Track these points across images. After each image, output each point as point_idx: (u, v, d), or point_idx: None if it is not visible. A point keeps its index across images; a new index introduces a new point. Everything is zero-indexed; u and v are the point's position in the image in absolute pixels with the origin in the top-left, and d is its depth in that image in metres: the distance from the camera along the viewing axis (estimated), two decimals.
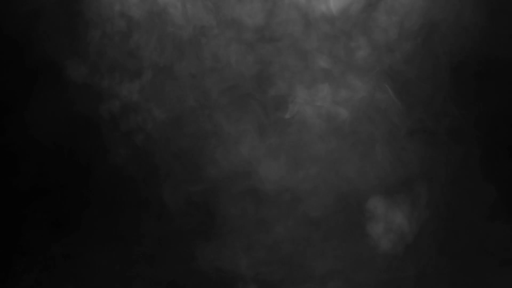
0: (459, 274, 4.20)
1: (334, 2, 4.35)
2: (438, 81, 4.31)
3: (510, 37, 4.30)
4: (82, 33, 4.42)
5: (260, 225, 4.30)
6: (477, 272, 4.20)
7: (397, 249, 4.24)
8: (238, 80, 4.38)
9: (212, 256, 4.28)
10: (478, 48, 4.29)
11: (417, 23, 4.30)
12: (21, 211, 4.35)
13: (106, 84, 4.39)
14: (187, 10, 4.39)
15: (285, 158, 4.35)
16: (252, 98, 4.38)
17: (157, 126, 4.38)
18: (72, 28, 4.42)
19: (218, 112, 4.37)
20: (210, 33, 4.37)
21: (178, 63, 4.39)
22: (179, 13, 4.40)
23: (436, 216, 4.25)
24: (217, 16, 4.37)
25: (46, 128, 4.40)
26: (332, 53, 4.36)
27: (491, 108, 4.30)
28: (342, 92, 4.34)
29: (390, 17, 4.31)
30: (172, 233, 4.31)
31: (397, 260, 4.24)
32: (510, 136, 4.29)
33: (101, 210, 4.35)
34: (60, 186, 4.37)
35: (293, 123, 4.36)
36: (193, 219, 4.33)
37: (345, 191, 4.30)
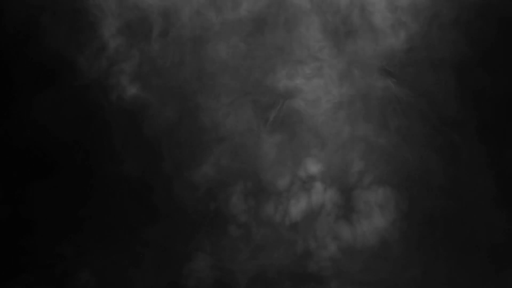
0: (458, 271, 4.14)
1: None
2: (440, 72, 4.30)
3: (510, 31, 4.30)
4: (86, 29, 4.46)
5: (263, 222, 4.28)
6: (476, 270, 4.14)
7: (392, 241, 4.22)
8: (239, 78, 4.39)
9: (213, 256, 4.25)
10: (479, 41, 4.30)
11: (419, 16, 4.31)
12: (22, 211, 4.36)
13: (109, 82, 4.41)
14: (190, 6, 4.42)
15: (287, 153, 4.34)
16: (253, 96, 4.38)
17: (159, 125, 4.38)
18: (76, 24, 4.46)
19: (220, 111, 4.38)
20: (211, 30, 4.39)
21: (180, 62, 4.41)
22: (182, 10, 4.43)
23: (435, 208, 4.24)
24: (218, 12, 4.40)
25: (49, 127, 4.41)
26: (333, 46, 4.37)
27: (492, 100, 4.29)
28: (343, 85, 4.34)
29: (392, 10, 4.32)
30: (172, 234, 4.30)
31: (393, 254, 4.22)
32: (511, 129, 4.27)
33: (102, 211, 4.35)
34: (61, 187, 4.37)
35: (294, 118, 4.36)
36: (195, 220, 4.31)
37: (346, 184, 4.29)
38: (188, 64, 4.41)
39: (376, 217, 4.23)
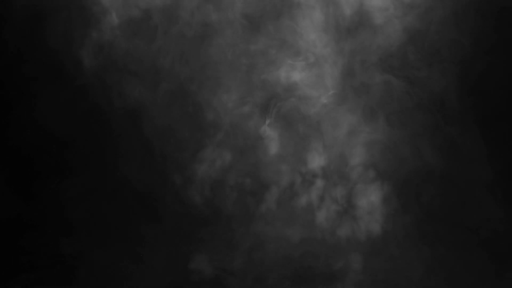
0: (458, 268, 4.12)
1: None
2: (440, 66, 4.31)
3: (510, 32, 4.31)
4: (87, 27, 4.47)
5: (263, 221, 4.28)
6: (477, 266, 4.12)
7: (393, 239, 4.21)
8: (240, 74, 4.40)
9: (213, 256, 4.25)
10: (479, 34, 4.30)
11: (419, 10, 4.31)
12: (22, 211, 4.37)
13: (110, 81, 4.43)
14: (190, 3, 4.43)
15: (287, 150, 4.34)
16: (254, 92, 4.39)
17: (160, 124, 4.40)
18: (77, 22, 4.48)
19: (221, 109, 4.38)
20: (212, 27, 4.40)
21: (181, 60, 4.42)
22: (184, 10, 4.44)
23: (435, 204, 4.24)
24: (218, 9, 4.41)
25: (50, 126, 4.43)
26: (333, 41, 4.38)
27: (492, 93, 4.29)
28: (343, 80, 4.35)
29: (391, 4, 4.33)
30: (173, 233, 4.30)
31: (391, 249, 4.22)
32: (509, 123, 4.27)
33: (102, 211, 4.35)
34: (62, 186, 4.39)
35: (294, 114, 4.37)
36: (195, 219, 4.32)
37: (346, 179, 4.30)
38: (189, 62, 4.42)
39: (377, 213, 4.23)
